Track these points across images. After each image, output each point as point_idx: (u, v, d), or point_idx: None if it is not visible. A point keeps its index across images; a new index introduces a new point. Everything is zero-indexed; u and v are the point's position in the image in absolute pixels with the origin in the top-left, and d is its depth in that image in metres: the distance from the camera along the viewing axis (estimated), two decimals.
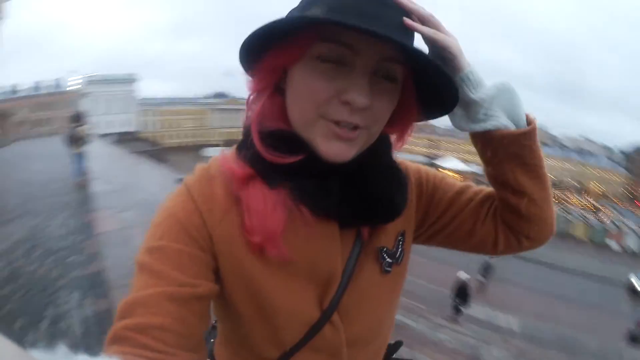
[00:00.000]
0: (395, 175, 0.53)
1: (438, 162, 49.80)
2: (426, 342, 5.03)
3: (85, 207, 6.49)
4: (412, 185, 0.57)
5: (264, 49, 0.44)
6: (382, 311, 0.56)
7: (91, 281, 3.61)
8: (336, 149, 0.45)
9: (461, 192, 0.58)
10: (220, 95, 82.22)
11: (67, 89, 42.74)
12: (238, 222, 0.46)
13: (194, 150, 62.35)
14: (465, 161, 58.99)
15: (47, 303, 3.11)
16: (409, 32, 0.44)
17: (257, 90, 0.49)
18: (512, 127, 0.50)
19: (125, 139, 34.44)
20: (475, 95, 0.49)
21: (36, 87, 38.65)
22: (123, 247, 4.68)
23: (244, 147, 0.49)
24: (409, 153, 70.13)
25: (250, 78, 0.49)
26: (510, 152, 0.50)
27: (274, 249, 0.45)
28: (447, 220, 0.57)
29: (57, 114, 31.73)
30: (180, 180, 0.52)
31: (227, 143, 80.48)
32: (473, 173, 55.96)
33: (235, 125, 78.98)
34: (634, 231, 32.87)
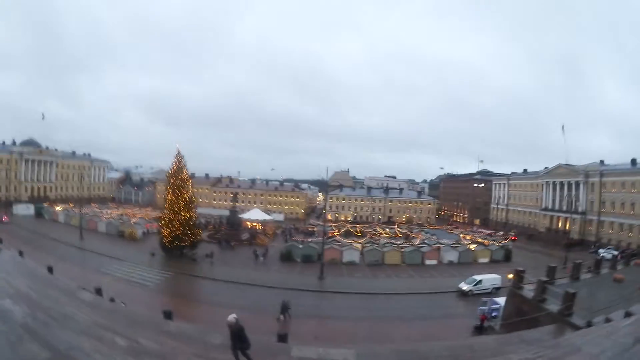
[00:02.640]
0: None
1: (244, 215, 51.90)
2: None
3: None
4: None
5: None
6: None
7: None
8: None
9: None
10: (30, 143, 73.21)
11: None
12: None
13: (3, 207, 55.16)
14: (267, 211, 64.58)
15: None
16: None
17: None
18: None
19: None
20: None
21: None
22: None
23: None
24: (213, 207, 73.14)
25: None
26: None
27: None
28: None
29: None
30: None
31: (35, 199, 65.00)
32: (275, 221, 61.30)
33: (45, 178, 70.24)
34: (449, 246, 40.42)
